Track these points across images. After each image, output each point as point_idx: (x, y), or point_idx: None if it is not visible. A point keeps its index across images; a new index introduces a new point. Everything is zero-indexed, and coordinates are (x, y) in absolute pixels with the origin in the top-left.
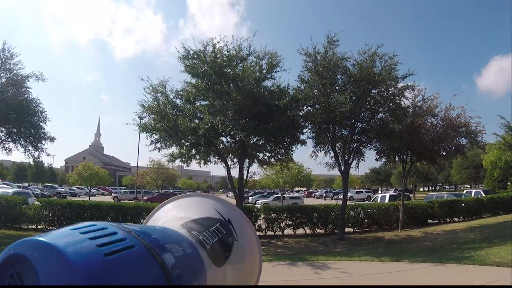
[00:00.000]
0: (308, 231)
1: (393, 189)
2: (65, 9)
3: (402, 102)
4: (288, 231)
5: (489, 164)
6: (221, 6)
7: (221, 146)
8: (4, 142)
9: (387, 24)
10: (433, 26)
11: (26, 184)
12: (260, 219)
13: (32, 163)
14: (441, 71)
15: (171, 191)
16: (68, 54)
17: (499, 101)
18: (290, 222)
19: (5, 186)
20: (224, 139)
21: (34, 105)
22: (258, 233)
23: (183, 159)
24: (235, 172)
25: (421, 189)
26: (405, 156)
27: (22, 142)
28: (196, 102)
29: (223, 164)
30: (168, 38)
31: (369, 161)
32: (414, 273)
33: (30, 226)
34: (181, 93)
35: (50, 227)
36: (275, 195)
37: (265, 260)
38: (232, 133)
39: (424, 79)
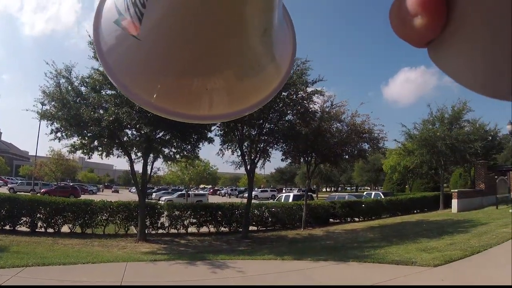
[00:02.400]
0: (213, 229)
1: (297, 189)
2: None
3: (310, 106)
4: (192, 229)
5: (388, 168)
6: None
7: (125, 139)
8: None
9: (305, 30)
10: (348, 39)
11: None
12: (163, 216)
13: None
14: (352, 79)
15: (71, 184)
16: None
17: (403, 110)
18: (194, 220)
19: None
20: (129, 132)
21: None
22: (160, 231)
23: (85, 151)
24: (139, 167)
25: (324, 189)
26: (310, 158)
27: None
28: (102, 91)
29: (127, 157)
30: (81, 19)
31: (275, 161)
32: (317, 271)
33: None
34: (87, 80)
35: None
36: (179, 192)
37: (163, 259)
38: (137, 126)
39: (334, 85)
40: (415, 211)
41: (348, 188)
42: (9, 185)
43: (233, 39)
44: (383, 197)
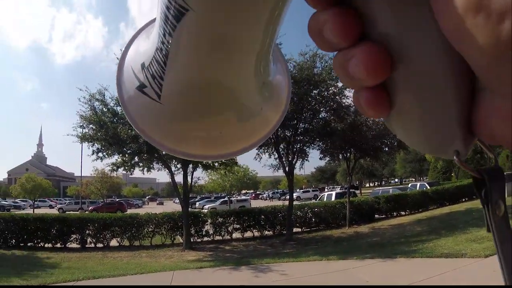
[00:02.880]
0: (256, 233)
1: (340, 186)
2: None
3: (343, 101)
4: (236, 234)
5: (432, 157)
6: None
7: (164, 153)
8: None
9: None
10: None
11: None
12: (207, 224)
13: None
14: None
15: (117, 200)
16: (5, 61)
17: None
18: (238, 226)
19: None
20: None
21: None
22: (205, 238)
23: (126, 168)
24: (180, 178)
25: (367, 185)
26: (348, 154)
27: None
28: None
29: (167, 170)
30: (108, 42)
31: (315, 161)
32: (363, 270)
33: None
34: None
35: None
36: (222, 199)
37: (208, 266)
38: None
39: None
40: (464, 200)
41: (392, 182)
42: (58, 206)
43: (236, 94)
44: (428, 187)
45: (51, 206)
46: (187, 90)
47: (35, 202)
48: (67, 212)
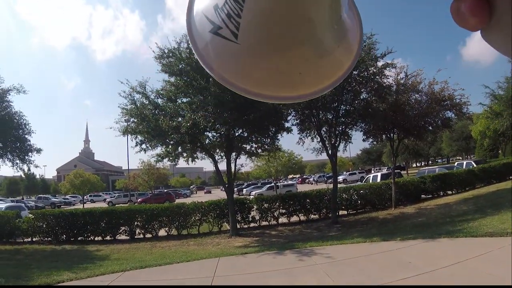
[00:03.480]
0: (302, 217)
1: (386, 167)
2: (39, 15)
3: (384, 81)
4: (282, 219)
5: (478, 134)
6: None
7: (207, 142)
8: None
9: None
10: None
11: (20, 198)
12: (253, 210)
13: (24, 176)
14: (425, 45)
15: (165, 190)
16: (47, 61)
17: (486, 70)
18: (284, 211)
19: None
20: (210, 134)
21: (17, 118)
22: (252, 224)
23: (170, 158)
24: (224, 166)
25: (414, 165)
26: (392, 134)
27: (9, 156)
28: (178, 100)
29: (211, 159)
30: (148, 35)
31: (359, 142)
32: (404, 251)
33: (25, 239)
34: (161, 92)
35: (46, 239)
36: (268, 185)
37: (253, 252)
38: (215, 127)
39: (410, 55)
40: (511, 177)
41: (438, 161)
42: (108, 199)
43: (314, 25)
44: (475, 165)
45: (105, 200)
46: (266, 23)
47: (90, 197)
48: (116, 205)
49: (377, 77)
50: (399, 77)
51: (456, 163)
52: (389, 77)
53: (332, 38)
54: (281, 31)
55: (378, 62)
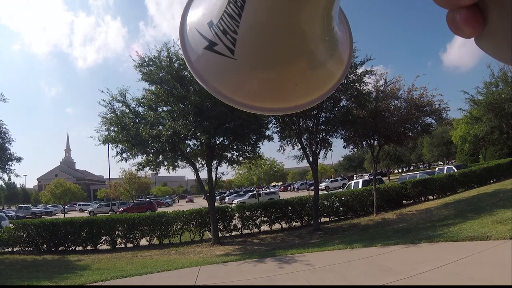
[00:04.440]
0: (284, 225)
1: (368, 174)
2: (19, 21)
3: (364, 88)
4: (264, 227)
5: (458, 140)
6: (181, 4)
7: (187, 150)
8: None
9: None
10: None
11: (0, 207)
12: (235, 219)
13: (4, 186)
14: (407, 51)
15: (147, 199)
16: (28, 68)
17: (465, 75)
18: (266, 219)
19: None
20: (190, 143)
21: None
22: (234, 232)
23: (151, 167)
24: (205, 175)
25: (396, 171)
26: (372, 141)
27: None
28: (158, 108)
29: (192, 167)
30: (129, 42)
31: (340, 150)
32: (385, 257)
33: (6, 249)
34: (142, 101)
35: (26, 249)
36: (251, 193)
37: (234, 260)
38: (195, 135)
39: (391, 62)
40: (492, 181)
41: (420, 167)
42: (89, 209)
43: (308, 38)
44: (456, 170)
45: (81, 210)
46: (263, 38)
47: (78, 206)
48: (98, 215)
49: (356, 84)
50: (378, 84)
51: (437, 168)
52: (368, 84)
53: (325, 50)
54: (277, 45)
55: (357, 69)
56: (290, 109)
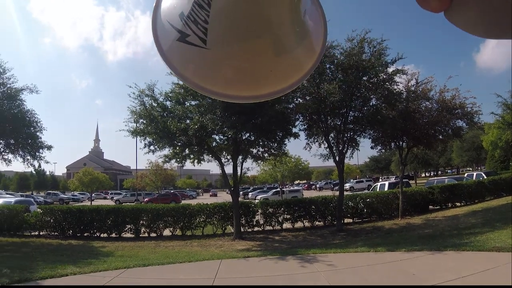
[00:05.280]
0: (307, 224)
1: (394, 176)
2: (52, 16)
3: (394, 87)
4: (287, 225)
5: (489, 145)
6: None
7: (214, 144)
8: (3, 153)
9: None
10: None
11: (29, 193)
12: (257, 215)
13: (34, 172)
14: (439, 51)
15: (172, 191)
16: (59, 61)
17: (499, 77)
18: (288, 216)
19: (8, 196)
20: (217, 137)
21: (29, 116)
22: (256, 228)
23: (177, 160)
24: (230, 169)
25: (423, 174)
26: (401, 142)
27: (20, 153)
28: (186, 103)
29: (217, 162)
30: None
31: (368, 150)
32: (409, 263)
33: (32, 233)
34: (170, 95)
35: (52, 233)
36: (274, 190)
37: (255, 256)
38: (222, 130)
39: (423, 62)
40: None
41: (448, 171)
42: (115, 198)
43: (273, 25)
44: (485, 177)
45: (105, 198)
46: (232, 26)
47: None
48: (123, 204)
49: (387, 83)
50: (409, 84)
51: (466, 174)
52: (399, 83)
53: (293, 37)
54: (248, 32)
55: (388, 68)
56: (256, 97)
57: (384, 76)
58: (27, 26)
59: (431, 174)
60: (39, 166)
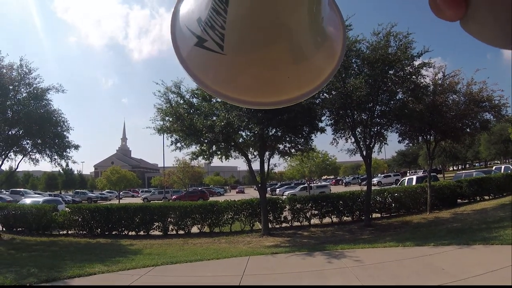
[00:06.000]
0: (335, 219)
1: (422, 170)
2: (75, 14)
3: (421, 81)
4: (315, 220)
5: None
6: None
7: (240, 141)
8: (31, 153)
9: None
10: None
11: (57, 192)
12: (285, 210)
13: (62, 172)
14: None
15: (199, 188)
16: (84, 60)
17: None
18: (316, 212)
19: (36, 195)
20: (243, 134)
21: (56, 116)
22: (284, 224)
23: (205, 156)
24: (257, 166)
25: (451, 168)
26: (428, 136)
27: (47, 152)
28: (212, 99)
29: (244, 158)
30: None
31: (394, 144)
32: (437, 257)
33: (61, 232)
34: (196, 92)
35: (81, 232)
36: (302, 186)
37: (283, 252)
38: (249, 126)
39: (449, 54)
40: None
41: (476, 165)
42: (143, 196)
43: (291, 32)
44: None
45: (133, 196)
46: (249, 33)
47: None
48: (151, 202)
49: (413, 77)
50: (436, 77)
51: (494, 167)
52: (426, 77)
53: (315, 42)
54: (265, 38)
55: (414, 62)
56: (275, 103)
57: (411, 70)
58: (52, 26)
59: (459, 168)
60: (67, 165)
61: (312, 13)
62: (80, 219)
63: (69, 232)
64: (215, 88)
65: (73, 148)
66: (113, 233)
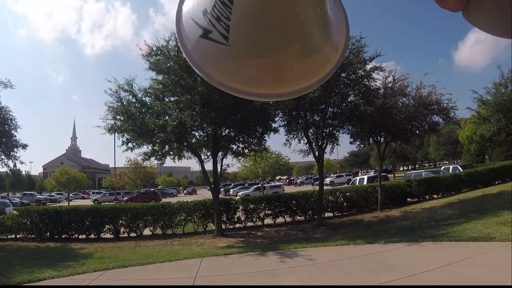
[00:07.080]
0: (288, 219)
1: (373, 170)
2: (28, 6)
3: (372, 84)
4: (268, 220)
5: (465, 139)
6: None
7: (193, 141)
8: None
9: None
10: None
11: (5, 194)
12: (239, 211)
13: (9, 172)
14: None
15: (152, 189)
16: (34, 54)
17: (476, 75)
18: (269, 212)
19: None
20: (196, 134)
21: (3, 113)
22: (238, 225)
23: (157, 157)
24: (210, 166)
25: (401, 168)
26: (379, 137)
27: None
28: (165, 99)
29: (197, 158)
30: (139, 29)
31: (347, 145)
32: (387, 254)
33: (9, 236)
34: (149, 90)
35: (30, 236)
36: (255, 186)
37: (236, 252)
38: (202, 127)
39: (403, 58)
40: (497, 182)
41: (425, 165)
42: (93, 197)
43: (301, 22)
44: (461, 170)
45: (83, 198)
46: (256, 23)
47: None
48: (102, 203)
49: (365, 80)
50: (387, 81)
51: (442, 167)
52: (377, 80)
53: (319, 34)
54: (270, 30)
55: (366, 65)
56: (282, 95)
57: (362, 73)
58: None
59: (409, 168)
60: (14, 165)
61: (316, 6)
62: (28, 223)
63: (18, 236)
64: (220, 80)
65: (21, 147)
66: (63, 236)
